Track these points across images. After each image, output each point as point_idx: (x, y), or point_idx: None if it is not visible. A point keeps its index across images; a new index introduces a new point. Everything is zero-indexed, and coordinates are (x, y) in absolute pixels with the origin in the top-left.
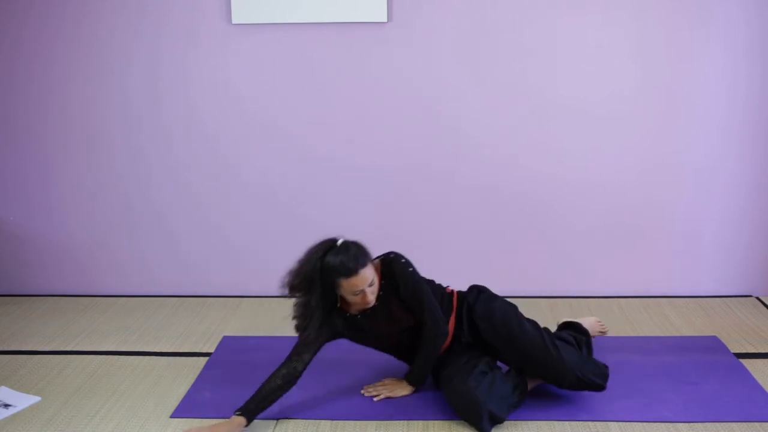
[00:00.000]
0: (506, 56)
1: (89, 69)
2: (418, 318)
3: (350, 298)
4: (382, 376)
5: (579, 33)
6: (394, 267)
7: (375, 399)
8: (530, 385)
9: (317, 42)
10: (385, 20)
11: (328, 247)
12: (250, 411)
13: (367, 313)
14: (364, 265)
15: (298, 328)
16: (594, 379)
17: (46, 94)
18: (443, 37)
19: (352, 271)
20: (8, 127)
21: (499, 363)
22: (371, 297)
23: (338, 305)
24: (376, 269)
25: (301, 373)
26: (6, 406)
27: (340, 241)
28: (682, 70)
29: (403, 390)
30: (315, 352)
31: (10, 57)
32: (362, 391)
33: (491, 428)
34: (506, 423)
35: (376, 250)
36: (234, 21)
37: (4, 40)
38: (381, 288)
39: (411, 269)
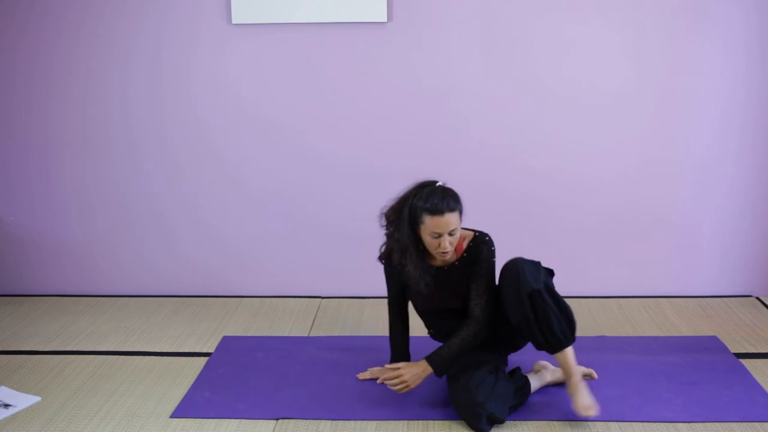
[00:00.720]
0: (507, 55)
1: (89, 69)
2: (470, 304)
3: (428, 240)
4: None
5: (579, 33)
6: (482, 247)
7: (389, 385)
8: (534, 384)
9: (317, 42)
10: (385, 20)
11: (425, 185)
12: (402, 354)
13: (433, 271)
14: (452, 211)
15: (380, 258)
16: (548, 297)
17: (46, 94)
18: (443, 37)
19: (438, 211)
20: (9, 127)
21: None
22: (448, 246)
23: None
24: (464, 237)
25: (407, 311)
26: (6, 406)
27: (439, 183)
28: (682, 69)
29: (421, 376)
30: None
31: (10, 57)
32: (379, 380)
33: (490, 429)
34: (506, 423)
35: (377, 250)
36: (234, 21)
37: (5, 41)
38: (459, 259)
39: (494, 260)
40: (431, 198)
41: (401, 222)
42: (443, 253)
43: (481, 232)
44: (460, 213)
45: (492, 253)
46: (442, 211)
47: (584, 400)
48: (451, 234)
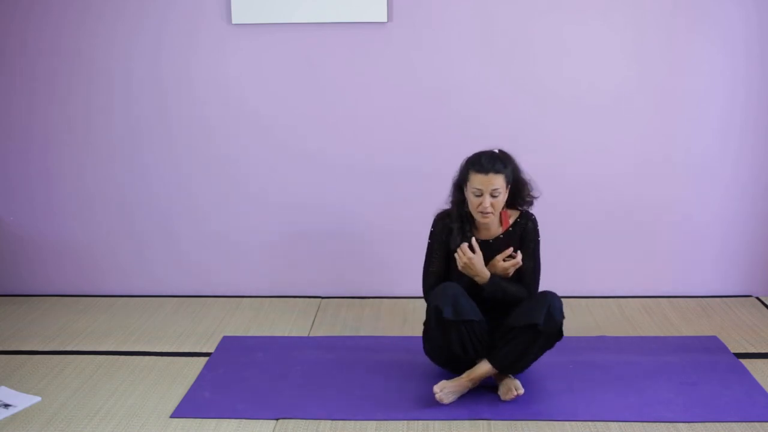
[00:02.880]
0: (507, 56)
1: (90, 69)
2: (519, 276)
3: (471, 199)
4: (383, 377)
5: (579, 33)
6: (529, 225)
7: (459, 253)
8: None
9: (317, 42)
10: (385, 20)
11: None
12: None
13: (480, 240)
14: (497, 172)
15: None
16: (544, 342)
17: (46, 94)
18: (443, 37)
19: (482, 169)
20: (9, 127)
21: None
22: (488, 207)
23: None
24: (510, 214)
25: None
26: (6, 406)
27: (497, 149)
28: (682, 69)
29: (479, 270)
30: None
31: (11, 57)
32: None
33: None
34: (506, 423)
35: (379, 251)
36: (234, 21)
37: (5, 41)
38: (504, 232)
39: (539, 239)
40: (481, 157)
41: (457, 182)
42: (484, 215)
43: (527, 211)
44: (507, 180)
45: (537, 233)
46: (486, 169)
47: (453, 397)
48: (493, 196)
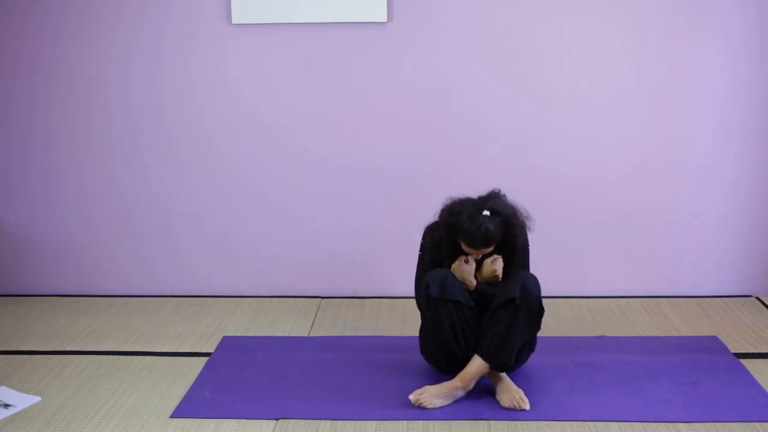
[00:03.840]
0: (507, 56)
1: (89, 69)
2: (508, 275)
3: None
4: (383, 377)
5: (579, 33)
6: (517, 230)
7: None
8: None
9: (317, 42)
10: (385, 20)
11: (479, 205)
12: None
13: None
14: (487, 246)
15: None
16: (527, 315)
17: (46, 94)
18: (443, 37)
19: (472, 244)
20: (9, 127)
21: None
22: (479, 257)
23: None
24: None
25: None
26: (6, 406)
27: (486, 212)
28: (682, 69)
29: (468, 277)
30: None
31: (11, 57)
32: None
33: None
34: (506, 423)
35: (379, 251)
36: (234, 21)
37: (5, 41)
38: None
39: (529, 248)
40: (475, 228)
41: (444, 224)
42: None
43: (515, 218)
44: (498, 239)
45: (528, 242)
46: (477, 246)
47: (439, 402)
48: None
